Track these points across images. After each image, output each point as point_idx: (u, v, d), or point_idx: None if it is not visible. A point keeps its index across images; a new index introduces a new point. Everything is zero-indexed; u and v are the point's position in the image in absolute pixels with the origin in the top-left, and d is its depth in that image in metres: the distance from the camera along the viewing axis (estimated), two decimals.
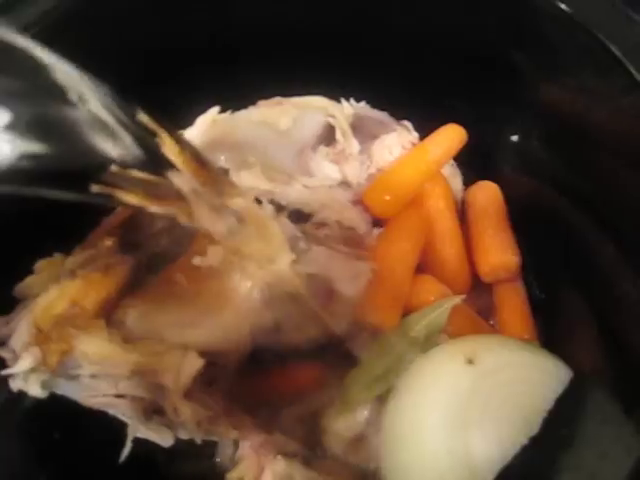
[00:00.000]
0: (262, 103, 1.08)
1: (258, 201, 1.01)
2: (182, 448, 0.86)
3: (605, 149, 0.89)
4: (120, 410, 0.80)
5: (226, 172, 1.00)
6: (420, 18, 1.01)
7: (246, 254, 0.78)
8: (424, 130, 1.17)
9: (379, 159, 1.12)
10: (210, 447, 0.91)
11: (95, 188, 0.57)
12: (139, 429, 0.81)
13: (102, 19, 0.90)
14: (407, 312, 0.97)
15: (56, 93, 0.54)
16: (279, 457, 0.84)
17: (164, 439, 0.83)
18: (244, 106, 1.07)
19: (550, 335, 1.07)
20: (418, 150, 1.13)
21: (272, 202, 1.01)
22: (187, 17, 0.98)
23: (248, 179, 1.02)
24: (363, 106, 1.13)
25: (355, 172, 1.09)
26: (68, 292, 0.78)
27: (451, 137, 1.12)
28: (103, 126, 0.56)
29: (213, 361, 0.81)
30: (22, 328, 0.78)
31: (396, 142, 1.13)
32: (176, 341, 0.79)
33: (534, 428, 0.77)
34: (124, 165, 0.58)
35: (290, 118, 1.04)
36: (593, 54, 0.83)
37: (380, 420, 0.85)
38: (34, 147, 0.52)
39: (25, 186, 0.55)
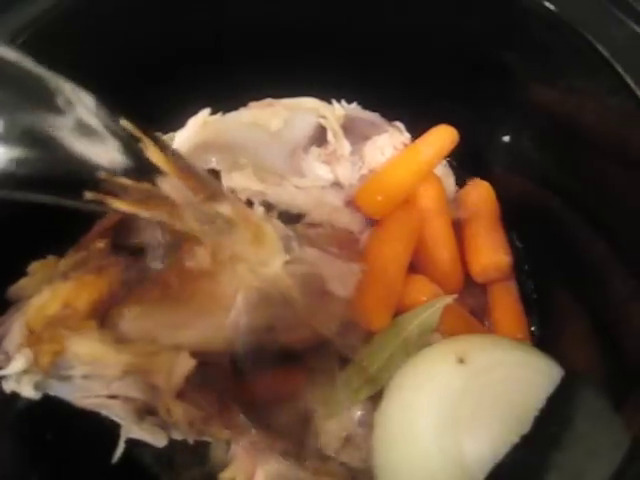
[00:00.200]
0: (253, 104, 1.08)
1: (250, 202, 1.02)
2: (175, 448, 0.86)
3: (595, 149, 0.90)
4: (113, 411, 0.80)
5: (215, 175, 1.00)
6: (411, 19, 1.01)
7: (238, 256, 0.78)
8: (416, 131, 1.17)
9: (371, 160, 1.12)
10: (203, 447, 0.92)
11: (88, 195, 0.58)
12: (132, 430, 0.81)
13: (92, 21, 0.90)
14: (399, 312, 0.98)
15: (44, 101, 0.55)
16: (271, 457, 0.84)
17: (157, 440, 0.83)
18: (235, 108, 1.07)
19: (543, 333, 1.08)
20: (410, 151, 1.13)
21: (264, 203, 1.02)
22: (178, 19, 0.98)
23: (240, 180, 1.03)
24: (354, 107, 1.14)
25: (347, 173, 1.09)
26: (60, 294, 0.78)
27: (443, 137, 1.12)
28: (91, 133, 0.56)
29: (205, 361, 0.81)
30: (15, 330, 0.78)
31: (388, 143, 1.13)
32: (168, 342, 0.79)
33: (525, 427, 0.77)
34: (112, 172, 0.59)
35: (281, 119, 1.04)
36: (581, 54, 0.84)
37: (372, 420, 0.85)
38: (22, 154, 0.53)
39: (15, 191, 0.55)
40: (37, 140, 0.54)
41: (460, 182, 1.19)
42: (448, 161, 1.18)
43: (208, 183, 0.74)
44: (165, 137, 1.00)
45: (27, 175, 0.54)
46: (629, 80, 0.79)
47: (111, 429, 0.81)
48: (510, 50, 0.97)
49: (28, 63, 0.55)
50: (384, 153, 1.13)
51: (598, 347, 0.94)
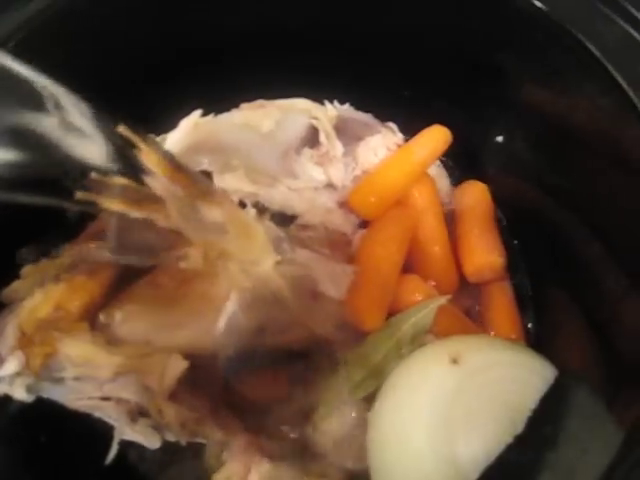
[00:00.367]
0: (245, 106, 1.08)
1: (242, 204, 1.02)
2: (169, 450, 0.86)
3: (588, 148, 0.90)
4: (106, 412, 0.80)
5: (207, 176, 1.00)
6: (405, 20, 1.01)
7: (230, 256, 0.78)
8: (409, 132, 1.17)
9: (364, 161, 1.12)
10: (197, 449, 0.92)
11: (79, 195, 0.58)
12: (125, 431, 0.81)
13: (85, 23, 0.90)
14: (393, 312, 0.98)
15: (31, 103, 0.55)
16: (265, 458, 0.84)
17: (151, 441, 0.83)
18: (227, 109, 1.07)
19: (538, 333, 1.08)
20: (403, 151, 1.13)
21: (256, 204, 1.02)
22: (170, 21, 0.98)
23: (232, 182, 1.03)
24: (347, 108, 1.14)
25: (340, 174, 1.09)
26: (52, 296, 0.78)
27: (436, 138, 1.12)
28: (80, 134, 0.57)
29: (198, 363, 0.81)
30: (8, 332, 0.78)
31: (381, 144, 1.13)
32: (160, 343, 0.80)
33: (519, 427, 0.77)
34: (103, 172, 0.59)
35: (273, 121, 1.04)
36: (573, 54, 0.84)
37: (367, 420, 0.85)
38: (11, 155, 0.53)
39: (4, 192, 0.56)
40: (25, 141, 0.54)
41: (454, 182, 1.19)
42: (442, 161, 1.18)
43: (200, 183, 0.74)
44: (157, 138, 1.00)
45: (16, 176, 0.54)
46: (620, 80, 0.79)
47: (105, 431, 0.82)
48: (502, 51, 0.97)
49: (15, 65, 0.54)
50: (377, 154, 1.13)
51: (591, 346, 0.94)
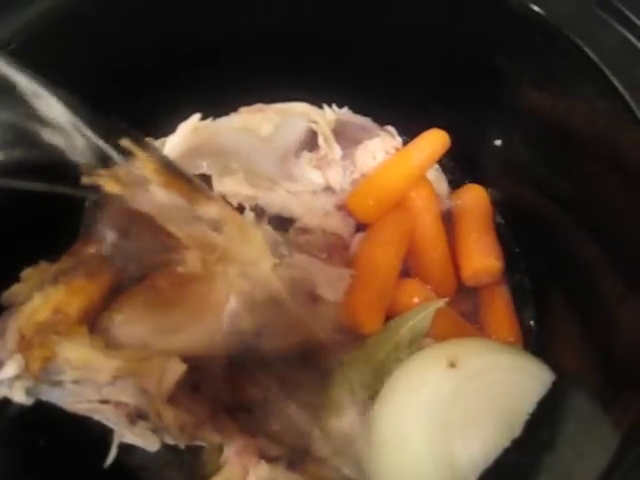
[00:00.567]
0: (244, 110, 1.08)
1: (241, 207, 1.03)
2: (167, 452, 0.86)
3: (585, 151, 0.90)
4: (105, 416, 0.80)
5: (206, 180, 1.00)
6: (403, 24, 1.01)
7: (228, 259, 0.78)
8: (407, 135, 1.18)
9: (362, 164, 1.12)
10: (195, 451, 0.92)
11: (85, 180, 0.58)
12: (124, 434, 0.81)
13: (83, 27, 0.91)
14: (391, 315, 0.98)
15: (33, 114, 0.55)
16: (263, 461, 0.84)
17: (149, 444, 0.83)
18: (226, 113, 1.07)
19: (538, 336, 1.08)
20: (401, 155, 1.13)
21: (255, 208, 1.03)
22: (169, 25, 0.98)
23: (231, 185, 1.03)
24: (345, 112, 1.14)
25: (338, 177, 1.09)
26: (51, 299, 0.78)
27: (434, 142, 1.12)
28: (68, 133, 0.57)
29: (197, 366, 0.81)
30: (7, 335, 0.78)
31: (379, 147, 1.14)
32: (159, 346, 0.80)
33: (516, 430, 0.78)
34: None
35: (272, 124, 1.04)
36: (570, 58, 0.84)
37: (365, 423, 0.86)
38: (16, 154, 0.54)
39: (12, 179, 0.56)
40: (22, 137, 0.55)
41: (452, 185, 1.19)
42: (440, 165, 1.18)
43: (198, 189, 0.74)
44: (156, 142, 1.00)
45: (20, 166, 0.55)
46: (617, 84, 0.79)
47: (104, 434, 0.82)
48: (501, 54, 0.98)
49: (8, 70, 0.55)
50: (375, 157, 1.13)
51: (589, 348, 0.94)
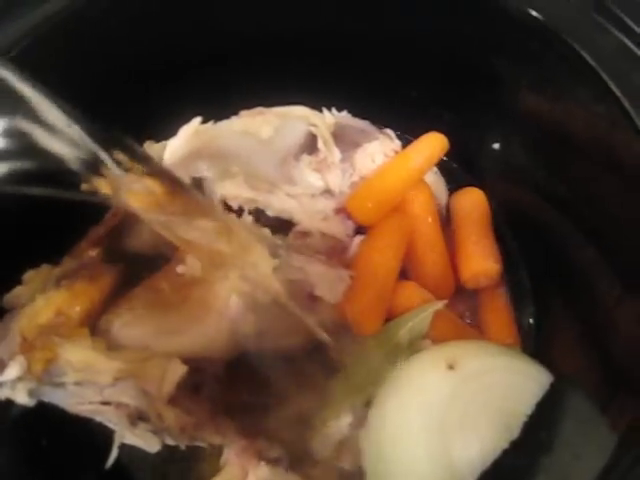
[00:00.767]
0: (244, 113, 1.08)
1: (241, 210, 1.03)
2: (168, 453, 0.87)
3: (583, 155, 0.90)
4: (106, 417, 0.81)
5: (206, 183, 1.01)
6: (402, 28, 1.02)
7: (228, 262, 0.79)
8: (406, 138, 1.18)
9: (362, 167, 1.12)
10: (196, 452, 0.92)
11: (84, 187, 0.59)
12: (125, 435, 0.82)
13: (87, 31, 0.91)
14: (390, 318, 0.98)
15: (35, 122, 0.56)
16: (263, 462, 0.84)
17: (150, 445, 0.84)
18: (226, 116, 1.07)
19: (537, 335, 1.08)
20: (400, 158, 1.14)
21: (255, 210, 1.03)
22: (170, 29, 0.98)
23: (231, 188, 1.03)
24: (345, 115, 1.14)
25: (337, 180, 1.09)
26: (53, 302, 0.79)
27: (433, 145, 1.13)
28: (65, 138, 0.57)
29: (197, 368, 0.81)
30: (10, 338, 0.79)
31: (378, 150, 1.14)
32: (160, 348, 0.80)
33: (514, 432, 0.78)
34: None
35: (272, 127, 1.04)
36: (568, 63, 0.85)
37: (364, 425, 0.86)
38: (19, 161, 0.54)
39: (15, 186, 0.57)
40: (21, 144, 0.55)
41: (451, 189, 1.20)
42: (439, 168, 1.18)
43: (195, 198, 0.74)
44: (157, 145, 1.00)
45: (20, 173, 0.55)
46: (614, 88, 0.80)
47: (105, 435, 0.82)
48: (499, 59, 0.98)
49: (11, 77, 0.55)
50: (374, 160, 1.13)
51: (587, 350, 0.94)
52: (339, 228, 1.06)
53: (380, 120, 1.17)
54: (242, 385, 0.87)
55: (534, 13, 0.86)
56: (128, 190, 0.63)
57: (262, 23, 1.03)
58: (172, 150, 1.00)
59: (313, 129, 1.08)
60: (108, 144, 0.61)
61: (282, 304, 0.82)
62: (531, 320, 1.10)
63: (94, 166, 0.59)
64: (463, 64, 1.03)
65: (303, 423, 0.89)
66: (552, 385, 0.83)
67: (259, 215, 1.07)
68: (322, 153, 1.09)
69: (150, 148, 0.98)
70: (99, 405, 0.79)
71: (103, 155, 0.60)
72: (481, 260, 1.07)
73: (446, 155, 1.15)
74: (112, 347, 0.79)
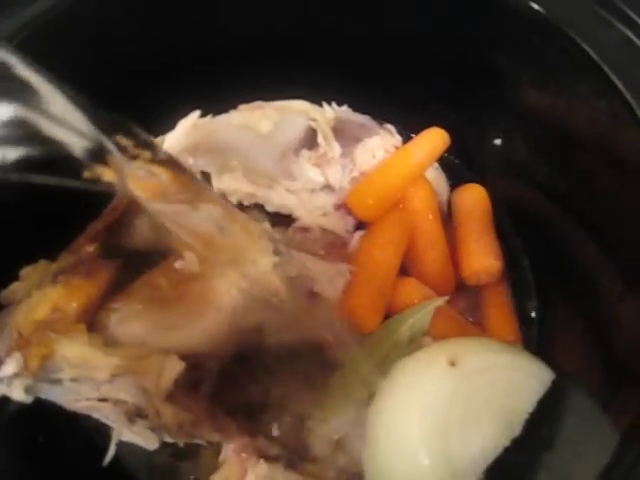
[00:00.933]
0: (243, 107, 1.08)
1: (240, 205, 1.02)
2: (166, 451, 0.86)
3: (586, 151, 0.90)
4: (104, 414, 0.81)
5: (206, 177, 1.00)
6: (402, 23, 1.01)
7: (227, 257, 0.78)
8: (407, 134, 1.18)
9: (362, 162, 1.12)
10: (194, 450, 0.92)
11: (87, 174, 0.58)
12: (123, 432, 0.81)
13: (83, 25, 0.91)
14: (390, 314, 0.98)
15: (38, 109, 0.55)
16: (262, 460, 0.84)
17: (148, 442, 0.84)
18: (225, 110, 1.07)
19: (539, 334, 1.08)
20: (401, 154, 1.13)
21: (254, 205, 1.02)
22: (169, 23, 0.98)
23: (230, 182, 1.03)
24: (345, 110, 1.13)
25: (337, 176, 1.09)
26: (50, 297, 0.79)
27: (434, 140, 1.12)
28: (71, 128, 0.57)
29: (196, 364, 0.81)
30: (6, 334, 0.78)
31: (379, 145, 1.13)
32: (157, 344, 0.80)
33: (516, 430, 0.78)
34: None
35: (271, 122, 1.03)
36: (570, 57, 0.84)
37: (364, 422, 0.85)
38: (17, 148, 0.54)
39: (17, 173, 0.56)
40: (25, 132, 0.55)
41: (452, 184, 1.19)
42: (440, 164, 1.18)
43: (198, 185, 0.74)
44: (156, 139, 1.00)
45: (22, 160, 0.55)
46: (617, 82, 0.79)
47: (103, 432, 0.82)
48: (500, 53, 0.98)
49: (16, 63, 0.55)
50: (375, 156, 1.12)
51: (589, 347, 0.94)
52: (339, 224, 1.06)
53: (381, 115, 1.17)
54: (241, 382, 0.87)
55: (535, 6, 0.85)
56: (133, 177, 0.63)
57: (263, 17, 1.03)
58: (170, 144, 1.00)
59: (313, 124, 1.08)
60: (113, 130, 0.60)
61: (281, 300, 0.81)
62: (533, 313, 1.09)
63: (99, 153, 0.59)
64: (464, 59, 1.02)
65: (302, 420, 0.88)
66: (554, 382, 0.83)
67: (258, 210, 1.06)
68: (322, 148, 1.09)
69: None
70: (96, 402, 0.79)
71: (108, 141, 0.59)
72: (482, 257, 1.06)
73: (447, 151, 1.14)
74: (109, 343, 0.78)
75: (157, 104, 0.94)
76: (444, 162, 1.18)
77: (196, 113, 1.03)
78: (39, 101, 0.55)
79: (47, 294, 0.79)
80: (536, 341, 1.06)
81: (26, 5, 0.85)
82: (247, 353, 0.85)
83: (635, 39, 0.80)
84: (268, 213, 1.07)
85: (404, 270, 1.06)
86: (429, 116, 1.13)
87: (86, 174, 0.59)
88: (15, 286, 0.84)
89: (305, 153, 1.10)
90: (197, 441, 0.85)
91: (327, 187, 1.10)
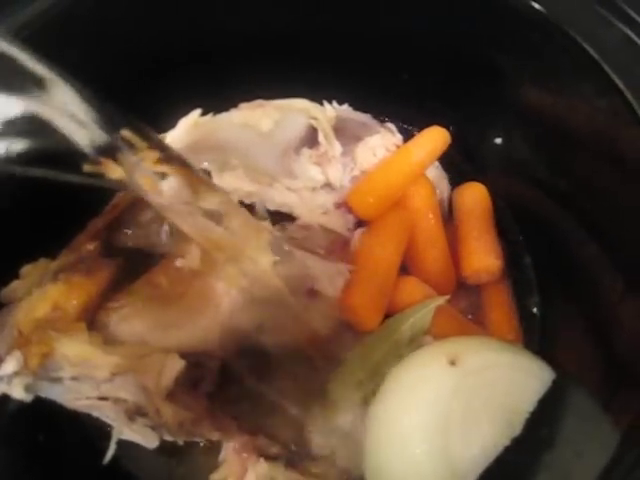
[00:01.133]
0: (244, 105, 1.08)
1: (241, 203, 1.02)
2: (166, 449, 0.86)
3: (586, 149, 0.90)
4: (104, 412, 0.81)
5: (207, 175, 1.00)
6: (403, 22, 1.01)
7: (228, 255, 0.78)
8: (408, 132, 1.18)
9: (363, 161, 1.12)
10: (194, 448, 0.92)
11: (87, 168, 0.58)
12: (123, 431, 0.81)
13: (84, 24, 0.90)
14: (391, 313, 0.98)
15: (45, 102, 0.55)
16: (262, 459, 0.84)
17: (149, 441, 0.84)
18: (226, 108, 1.07)
19: (540, 334, 1.08)
20: (402, 152, 1.13)
21: (255, 204, 1.02)
22: (170, 21, 0.98)
23: (231, 181, 1.03)
24: (346, 108, 1.13)
25: (338, 174, 1.09)
26: (50, 296, 0.79)
27: (435, 139, 1.12)
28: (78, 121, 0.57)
29: (196, 362, 0.81)
30: (6, 332, 0.78)
31: (380, 144, 1.13)
32: (158, 343, 0.80)
33: (516, 429, 0.78)
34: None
35: (272, 120, 1.03)
36: (571, 56, 0.84)
37: (364, 421, 0.85)
38: (23, 140, 0.54)
39: (18, 166, 0.56)
40: (31, 125, 0.55)
41: (453, 183, 1.19)
42: (441, 162, 1.18)
43: (202, 179, 0.74)
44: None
45: (27, 154, 0.55)
46: (617, 81, 0.79)
47: (103, 430, 0.82)
48: (501, 52, 0.98)
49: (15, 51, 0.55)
50: (376, 154, 1.12)
51: (589, 346, 0.94)
52: (339, 222, 1.06)
53: (381, 114, 1.17)
54: (241, 380, 0.87)
55: (536, 5, 0.85)
56: (139, 172, 0.63)
57: (264, 16, 1.03)
58: (171, 142, 0.99)
59: (314, 122, 1.08)
60: (120, 124, 0.60)
61: (282, 299, 0.81)
62: (535, 309, 1.09)
63: (106, 148, 0.59)
64: (464, 57, 1.02)
65: (303, 419, 0.88)
66: (554, 382, 0.82)
67: (258, 208, 1.06)
68: (323, 147, 1.09)
69: None
70: (96, 400, 0.79)
71: (116, 136, 0.59)
72: (483, 256, 1.06)
73: (448, 149, 1.14)
74: (109, 342, 0.78)
75: (158, 102, 0.95)
76: (445, 161, 1.18)
77: (197, 111, 1.03)
78: (47, 95, 0.56)
79: (47, 292, 0.79)
80: (538, 339, 1.06)
81: (26, 4, 0.85)
82: (247, 352, 0.85)
83: (635, 38, 0.80)
84: (269, 211, 1.07)
85: (405, 269, 1.06)
86: (430, 115, 1.14)
87: (87, 167, 0.59)
88: (15, 284, 0.84)
89: (306, 152, 1.10)
90: (197, 440, 0.86)
91: (328, 186, 1.10)
